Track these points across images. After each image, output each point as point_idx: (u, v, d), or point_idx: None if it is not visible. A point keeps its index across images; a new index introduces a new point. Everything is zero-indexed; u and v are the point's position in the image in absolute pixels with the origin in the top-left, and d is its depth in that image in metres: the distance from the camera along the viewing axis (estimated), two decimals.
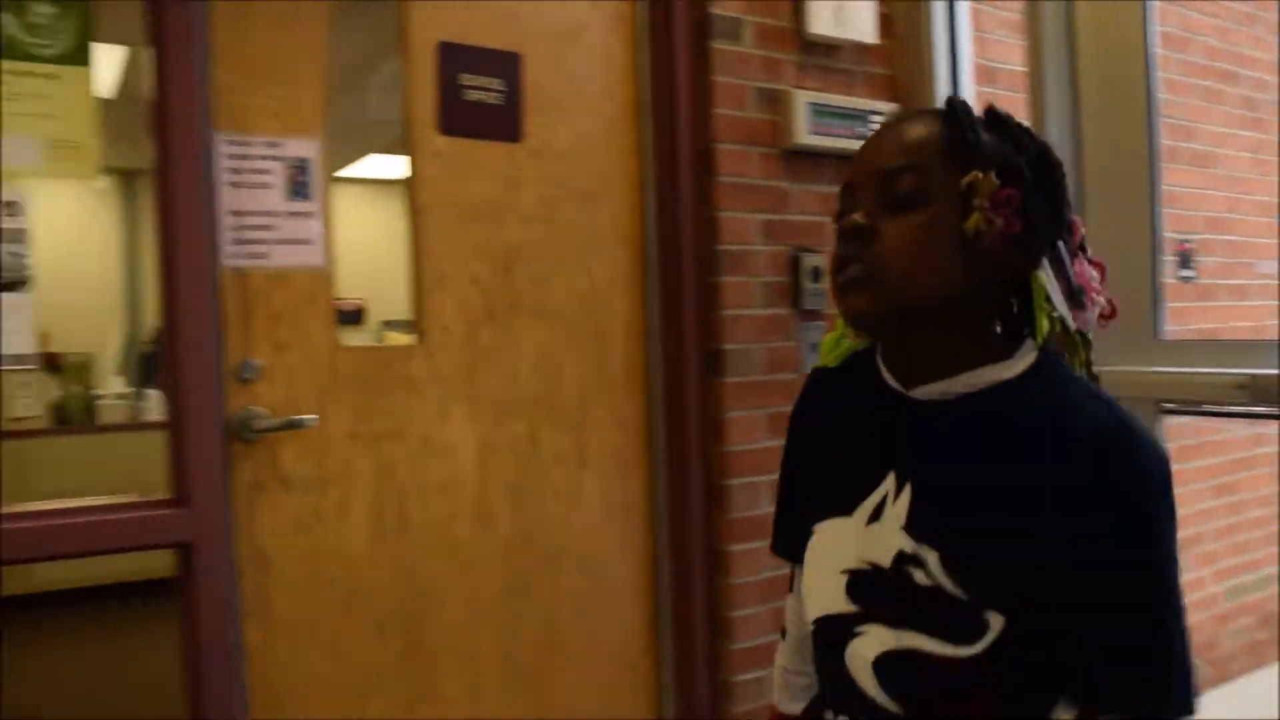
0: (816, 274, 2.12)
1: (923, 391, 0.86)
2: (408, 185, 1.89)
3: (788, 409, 2.06)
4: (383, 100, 3.91)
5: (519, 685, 1.98)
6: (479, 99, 1.92)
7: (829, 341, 1.00)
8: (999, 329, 0.87)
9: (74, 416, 4.12)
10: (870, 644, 0.85)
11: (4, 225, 1.58)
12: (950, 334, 0.85)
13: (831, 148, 2.13)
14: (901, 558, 0.84)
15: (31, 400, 3.56)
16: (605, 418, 2.05)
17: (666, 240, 2.05)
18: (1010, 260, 0.83)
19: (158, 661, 2.92)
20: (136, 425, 4.01)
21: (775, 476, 2.07)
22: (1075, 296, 0.86)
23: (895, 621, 0.84)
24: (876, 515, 0.87)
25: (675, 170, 2.03)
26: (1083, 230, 0.90)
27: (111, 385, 4.02)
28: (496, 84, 1.93)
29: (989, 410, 0.83)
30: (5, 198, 1.59)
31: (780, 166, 2.11)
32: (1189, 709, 0.76)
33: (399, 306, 6.25)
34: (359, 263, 4.21)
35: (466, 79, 1.90)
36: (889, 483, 0.87)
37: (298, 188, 1.78)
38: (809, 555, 0.95)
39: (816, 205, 2.15)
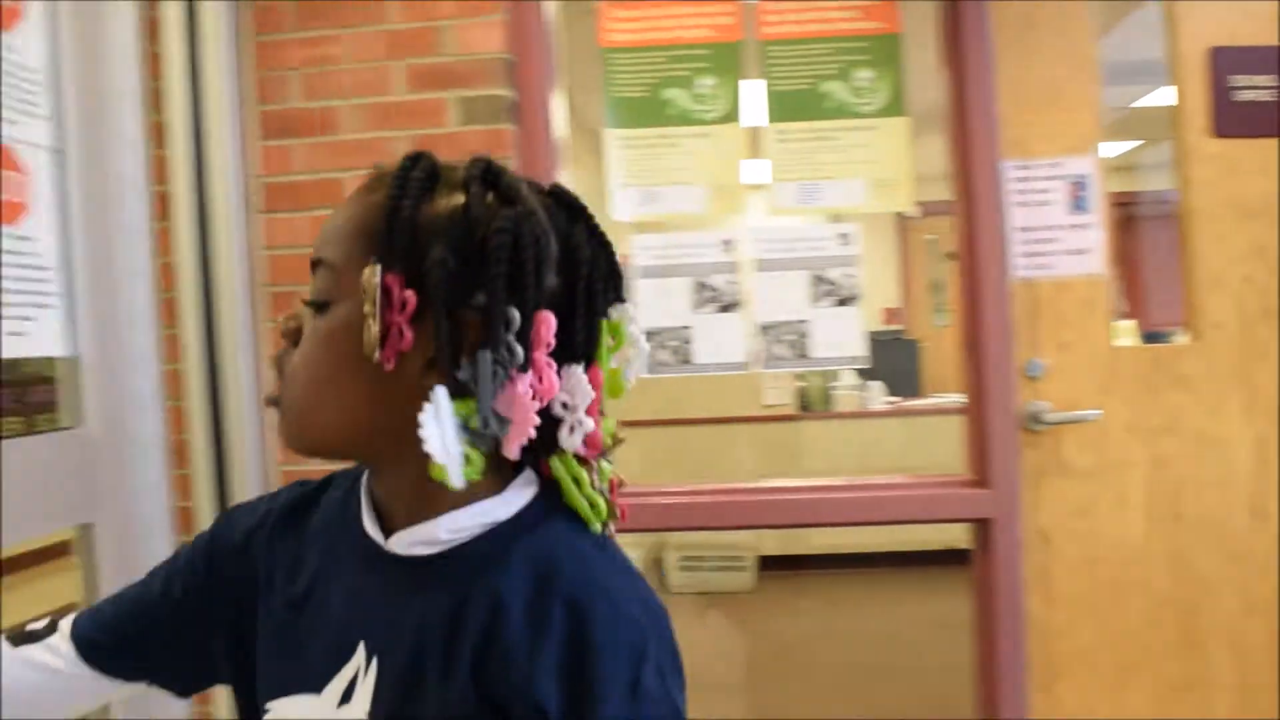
0: None
1: (400, 541, 0.70)
2: (1179, 190, 1.97)
3: None
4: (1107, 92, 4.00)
5: None
6: (1250, 98, 1.93)
7: None
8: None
9: (814, 404, 4.72)
10: None
11: (841, 252, 1.95)
12: (415, 469, 0.65)
13: None
14: None
15: (781, 390, 4.27)
16: None
17: None
18: (435, 377, 0.64)
19: (939, 617, 3.34)
20: (864, 413, 4.59)
21: None
22: (485, 424, 0.63)
23: None
24: (348, 695, 0.69)
25: None
26: (548, 323, 0.65)
27: (843, 378, 4.58)
28: (1269, 80, 1.93)
29: (468, 570, 0.66)
30: (840, 230, 1.96)
31: None
32: None
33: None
34: None
35: (1237, 80, 1.93)
36: (359, 655, 0.69)
37: (1077, 202, 1.95)
38: None
39: None
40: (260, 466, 1.83)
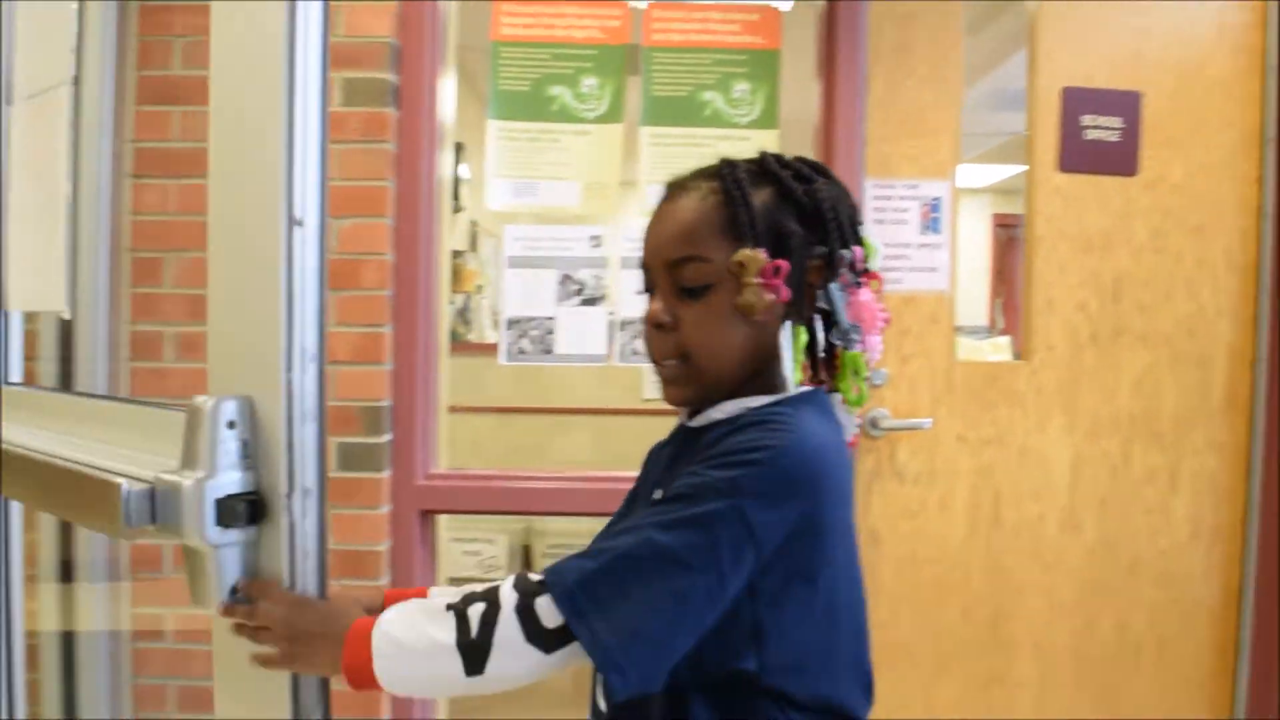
0: None
1: (697, 419, 0.93)
2: (1025, 218, 2.09)
3: None
4: (973, 117, 4.15)
5: (1087, 684, 2.14)
6: (1098, 137, 2.06)
7: None
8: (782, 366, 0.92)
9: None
10: None
11: (590, 254, 2.03)
12: (739, 381, 0.90)
13: None
14: None
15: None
16: (1202, 442, 2.11)
17: None
18: (786, 317, 0.89)
19: None
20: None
21: None
22: (847, 336, 0.88)
23: None
24: None
25: None
26: (863, 252, 0.90)
27: None
28: (1116, 122, 2.06)
29: (721, 432, 0.87)
30: (593, 231, 2.04)
31: None
32: (571, 609, 0.76)
33: (971, 309, 6.28)
34: None
35: (1087, 120, 2.05)
36: (657, 496, 0.91)
37: (930, 223, 2.06)
38: None
39: None
40: None
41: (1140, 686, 2.15)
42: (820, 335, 0.92)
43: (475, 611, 0.78)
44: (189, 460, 0.75)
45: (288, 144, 0.75)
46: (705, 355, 0.87)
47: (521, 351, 2.06)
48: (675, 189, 0.92)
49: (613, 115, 2.04)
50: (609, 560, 0.78)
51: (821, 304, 0.90)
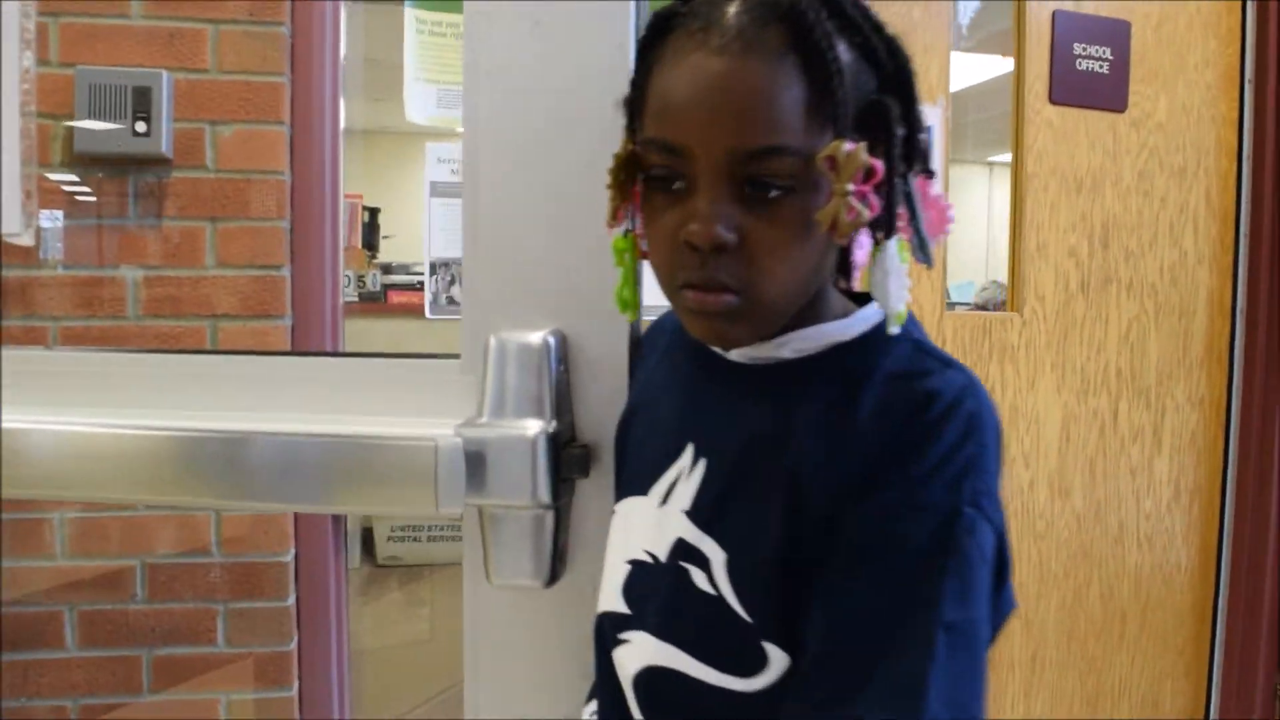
0: None
1: (744, 354, 0.66)
2: (1014, 154, 1.90)
3: None
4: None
5: (1074, 656, 1.99)
6: (1088, 68, 1.90)
7: (626, 296, 0.70)
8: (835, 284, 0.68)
9: None
10: (634, 655, 0.66)
11: None
12: (795, 311, 0.65)
13: None
14: (680, 550, 0.64)
15: None
16: (1183, 397, 2.00)
17: (1262, 217, 1.97)
18: (872, 227, 0.61)
19: None
20: None
21: None
22: (924, 249, 0.62)
23: (661, 632, 0.65)
24: (668, 496, 0.67)
25: (1278, 143, 1.94)
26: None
27: None
28: (1105, 53, 1.90)
29: (818, 380, 0.63)
30: None
31: None
32: None
33: None
34: None
35: (1078, 48, 1.89)
36: (686, 457, 0.67)
37: None
38: (609, 539, 0.74)
39: None
40: None
41: (1124, 657, 2.02)
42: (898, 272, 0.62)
43: None
44: (501, 409, 0.67)
45: None
46: (775, 287, 0.59)
47: (452, 301, 1.67)
48: (728, 31, 0.56)
49: None
50: (934, 679, 0.52)
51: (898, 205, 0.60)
